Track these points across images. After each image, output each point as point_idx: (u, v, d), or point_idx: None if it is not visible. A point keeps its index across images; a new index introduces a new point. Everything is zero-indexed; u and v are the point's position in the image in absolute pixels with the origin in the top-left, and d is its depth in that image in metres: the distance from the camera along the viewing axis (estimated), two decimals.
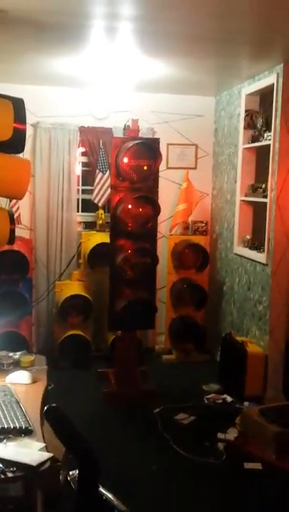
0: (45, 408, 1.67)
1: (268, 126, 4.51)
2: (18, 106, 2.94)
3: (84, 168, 5.68)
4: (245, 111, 4.89)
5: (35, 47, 3.93)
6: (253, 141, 4.80)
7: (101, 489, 1.68)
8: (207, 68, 4.49)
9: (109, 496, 1.68)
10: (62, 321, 5.18)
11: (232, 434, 3.79)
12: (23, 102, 2.97)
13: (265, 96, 4.73)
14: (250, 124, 4.87)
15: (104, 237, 5.01)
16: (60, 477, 2.91)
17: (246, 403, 4.26)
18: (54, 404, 1.63)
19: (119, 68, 4.44)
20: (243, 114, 4.91)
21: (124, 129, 4.50)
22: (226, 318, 5.38)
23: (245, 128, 4.90)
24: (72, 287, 5.24)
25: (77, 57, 4.14)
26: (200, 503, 3.08)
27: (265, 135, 4.51)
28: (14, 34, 3.61)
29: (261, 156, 4.80)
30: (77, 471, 1.82)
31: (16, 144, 2.93)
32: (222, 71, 4.63)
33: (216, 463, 3.46)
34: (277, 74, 4.21)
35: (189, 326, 5.39)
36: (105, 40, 3.64)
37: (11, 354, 3.01)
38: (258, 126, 4.69)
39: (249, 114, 4.87)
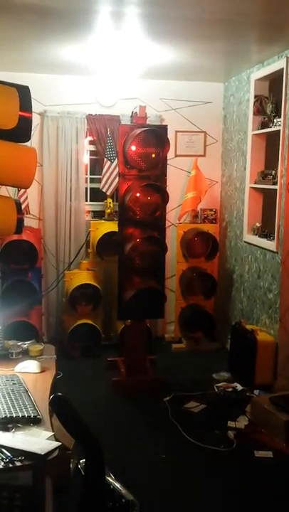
0: (51, 397, 1.66)
1: (277, 111, 4.44)
2: (23, 93, 2.91)
3: (92, 157, 5.65)
4: (255, 96, 4.82)
5: (41, 34, 3.88)
6: (262, 127, 4.73)
7: (108, 478, 1.68)
8: (215, 53, 4.41)
9: (117, 485, 1.68)
10: (71, 311, 5.19)
11: (242, 422, 3.79)
12: (28, 89, 2.94)
13: (274, 81, 4.65)
14: (259, 110, 4.80)
15: (112, 226, 4.99)
16: (71, 465, 2.93)
17: (256, 391, 4.24)
18: (59, 394, 1.63)
19: (126, 55, 4.38)
20: (252, 100, 4.84)
21: (131, 116, 4.47)
22: (235, 306, 5.36)
23: (254, 114, 4.83)
24: (82, 276, 5.24)
25: (84, 44, 4.10)
26: (211, 490, 3.08)
27: (275, 121, 4.44)
28: (18, 21, 3.57)
29: (271, 142, 4.73)
30: None
31: (21, 132, 2.91)
32: (231, 56, 4.56)
33: (227, 451, 3.46)
34: (287, 58, 4.13)
35: (199, 314, 5.38)
36: (112, 26, 3.59)
37: (19, 343, 3.01)
38: (268, 111, 4.62)
39: (258, 99, 4.80)
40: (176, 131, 5.57)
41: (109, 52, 4.32)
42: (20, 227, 3.09)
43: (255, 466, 3.32)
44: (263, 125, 4.72)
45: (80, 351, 5.15)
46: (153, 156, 4.24)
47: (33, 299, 4.96)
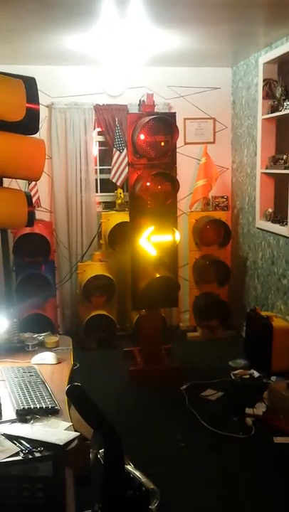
0: (67, 387, 1.66)
1: (287, 94, 4.38)
2: (30, 85, 2.90)
3: (101, 148, 5.63)
4: (263, 80, 4.75)
5: (43, 24, 3.85)
6: (272, 111, 4.66)
7: (128, 467, 1.68)
8: (222, 37, 4.35)
9: (137, 473, 1.68)
10: (86, 302, 5.20)
11: (260, 408, 3.77)
12: (34, 80, 2.93)
13: (283, 64, 4.58)
14: (268, 94, 4.73)
15: (124, 217, 4.97)
16: (90, 455, 2.95)
17: (273, 378, 4.22)
18: (76, 383, 1.62)
19: (131, 42, 4.33)
20: (261, 84, 4.77)
21: (139, 104, 4.42)
22: (250, 293, 5.32)
23: (263, 98, 4.76)
24: (95, 268, 5.24)
25: (88, 33, 4.06)
26: (230, 477, 3.08)
27: (285, 104, 4.36)
28: (21, 12, 3.54)
29: (281, 126, 4.67)
30: None
31: (29, 124, 2.91)
32: (238, 39, 4.48)
33: (245, 438, 3.46)
34: None
35: (213, 302, 5.35)
36: (116, 13, 3.54)
37: (35, 335, 3.03)
38: (277, 95, 4.55)
39: (267, 83, 4.73)
40: (185, 119, 5.52)
41: (115, 41, 4.27)
42: (31, 219, 3.09)
43: (275, 453, 3.30)
44: (273, 109, 4.65)
45: (96, 342, 5.16)
46: (162, 144, 4.20)
47: (47, 292, 4.98)
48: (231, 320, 5.42)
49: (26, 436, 1.94)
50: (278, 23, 3.96)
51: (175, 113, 4.41)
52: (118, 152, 5.29)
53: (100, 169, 5.65)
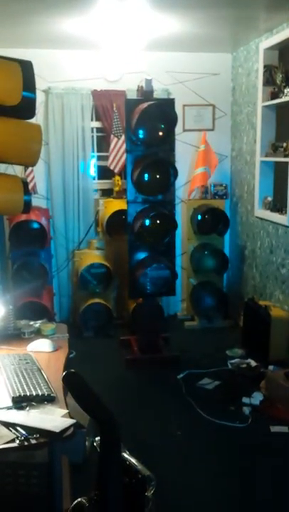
0: (63, 374, 1.64)
1: (287, 81, 4.32)
2: (26, 68, 2.84)
3: (98, 134, 5.56)
4: (264, 66, 4.69)
5: (41, 7, 3.77)
6: (272, 98, 4.60)
7: (124, 454, 1.66)
8: (222, 21, 4.27)
9: (133, 461, 1.66)
10: (83, 290, 5.17)
11: (257, 398, 3.76)
12: (31, 64, 2.86)
13: (284, 49, 4.52)
14: (269, 80, 4.67)
15: (121, 204, 4.92)
16: (86, 443, 2.93)
17: (271, 367, 4.21)
18: (72, 370, 1.60)
19: (130, 26, 4.26)
20: (261, 70, 4.71)
21: (137, 90, 4.36)
22: (248, 282, 5.30)
23: (264, 84, 4.70)
24: (92, 256, 5.21)
25: (87, 17, 3.98)
26: (227, 467, 3.07)
27: (286, 91, 4.31)
28: None
29: (282, 113, 4.62)
30: None
31: (26, 109, 2.85)
32: (238, 24, 4.41)
33: (242, 427, 3.45)
34: None
35: (211, 291, 5.33)
36: None
37: (31, 323, 2.99)
38: (278, 81, 4.49)
39: (268, 69, 4.67)
40: (184, 105, 5.45)
41: (113, 24, 4.19)
42: (27, 206, 3.04)
43: (271, 442, 3.30)
44: (273, 96, 4.59)
45: (93, 331, 5.14)
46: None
47: (43, 280, 4.95)
48: (229, 309, 5.40)
49: (22, 423, 1.91)
50: (279, 8, 3.89)
51: (174, 99, 4.36)
52: (116, 138, 5.22)
53: (97, 156, 5.59)
